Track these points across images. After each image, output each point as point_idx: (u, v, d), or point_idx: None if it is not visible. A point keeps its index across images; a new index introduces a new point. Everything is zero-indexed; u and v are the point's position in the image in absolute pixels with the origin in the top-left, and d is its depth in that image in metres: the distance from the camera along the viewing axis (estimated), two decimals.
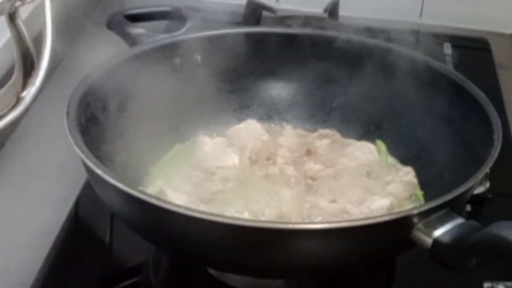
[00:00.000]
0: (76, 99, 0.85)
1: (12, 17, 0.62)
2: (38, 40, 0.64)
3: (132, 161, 0.90)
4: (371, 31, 1.24)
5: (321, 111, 1.00)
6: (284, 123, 1.00)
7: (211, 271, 0.84)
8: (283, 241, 0.72)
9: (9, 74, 0.65)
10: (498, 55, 1.30)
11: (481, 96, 0.88)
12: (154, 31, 1.02)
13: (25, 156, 1.02)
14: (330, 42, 0.99)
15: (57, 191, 0.96)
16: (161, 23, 1.14)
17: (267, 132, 0.97)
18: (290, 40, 1.00)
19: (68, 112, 0.83)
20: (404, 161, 0.94)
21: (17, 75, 0.64)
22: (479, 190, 0.94)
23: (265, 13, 1.27)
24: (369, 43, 1.00)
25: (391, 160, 0.95)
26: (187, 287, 0.86)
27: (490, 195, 0.96)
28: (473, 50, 1.32)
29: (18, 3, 0.62)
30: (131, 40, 1.01)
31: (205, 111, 0.99)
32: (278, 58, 1.00)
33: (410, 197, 0.89)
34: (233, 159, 0.93)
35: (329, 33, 1.03)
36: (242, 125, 0.98)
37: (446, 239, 0.70)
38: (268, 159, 0.93)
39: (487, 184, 0.96)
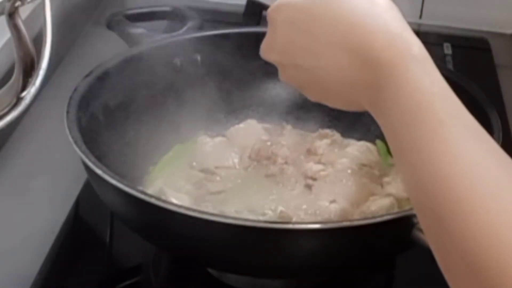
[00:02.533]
0: (76, 99, 0.85)
1: (12, 17, 0.62)
2: (38, 40, 0.64)
3: (132, 161, 0.90)
4: None
5: (321, 111, 1.00)
6: (284, 123, 1.00)
7: (211, 271, 0.84)
8: (283, 241, 0.72)
9: (9, 74, 0.65)
10: (498, 55, 1.30)
11: (481, 96, 0.88)
12: (154, 31, 1.02)
13: (25, 156, 1.02)
14: None
15: (57, 191, 0.96)
16: (161, 23, 1.14)
17: (267, 132, 0.97)
18: None
19: (68, 112, 0.83)
20: None
21: (17, 75, 0.64)
22: None
23: (265, 13, 1.27)
24: None
25: (391, 160, 0.95)
26: (187, 287, 0.86)
27: None
28: (473, 50, 1.32)
29: (18, 3, 0.62)
30: (131, 40, 1.01)
31: (205, 111, 0.99)
32: None
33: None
34: (233, 159, 0.93)
35: None
36: (242, 125, 0.98)
37: None
38: (268, 159, 0.93)
39: None
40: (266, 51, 0.68)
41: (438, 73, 0.59)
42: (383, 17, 0.60)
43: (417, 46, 0.60)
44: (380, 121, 0.61)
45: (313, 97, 0.67)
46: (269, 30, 0.66)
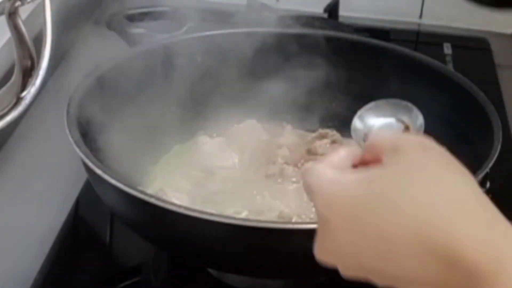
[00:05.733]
0: (76, 99, 0.85)
1: (12, 17, 0.62)
2: (38, 40, 0.64)
3: (132, 161, 0.90)
4: (371, 31, 1.24)
5: (321, 111, 1.00)
6: (284, 123, 1.00)
7: (211, 271, 0.84)
8: (283, 241, 0.72)
9: (9, 74, 0.65)
10: (498, 55, 1.30)
11: (481, 96, 0.88)
12: (154, 31, 1.02)
13: (25, 156, 1.02)
14: (330, 42, 0.99)
15: (57, 191, 0.96)
16: (161, 23, 1.14)
17: (267, 132, 0.97)
18: (290, 40, 1.00)
19: (68, 112, 0.83)
20: None
21: (17, 75, 0.64)
22: None
23: (265, 13, 1.27)
24: (369, 43, 1.00)
25: None
26: (187, 287, 0.86)
27: (490, 195, 0.96)
28: (473, 50, 1.32)
29: (18, 3, 0.62)
30: (131, 40, 1.01)
31: (205, 111, 0.99)
32: (278, 58, 1.00)
33: None
34: (233, 159, 0.93)
35: (329, 33, 1.03)
36: (242, 125, 0.98)
37: None
38: (268, 159, 0.93)
39: (487, 184, 0.96)
40: (323, 254, 0.54)
41: None
42: (465, 207, 0.49)
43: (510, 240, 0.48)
44: None
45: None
46: (322, 229, 0.53)
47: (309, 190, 0.54)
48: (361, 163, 0.55)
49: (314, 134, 0.98)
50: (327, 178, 0.53)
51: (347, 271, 0.53)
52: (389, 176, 0.51)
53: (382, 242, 0.50)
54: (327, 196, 0.52)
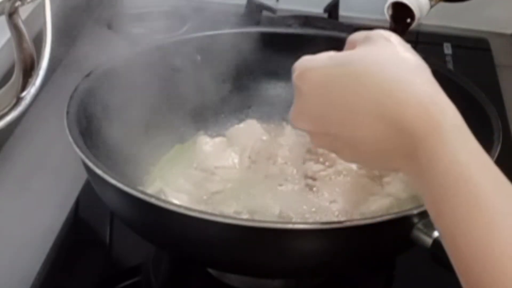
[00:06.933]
0: (76, 99, 0.85)
1: (12, 17, 0.62)
2: (38, 40, 0.64)
3: (132, 161, 0.90)
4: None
5: None
6: (284, 123, 1.00)
7: (211, 271, 0.84)
8: (283, 241, 0.72)
9: (9, 74, 0.65)
10: (498, 55, 1.30)
11: (481, 96, 0.88)
12: (154, 31, 1.03)
13: (25, 156, 1.02)
14: (330, 42, 0.99)
15: (57, 191, 0.96)
16: (161, 23, 1.14)
17: (267, 132, 0.97)
18: (290, 40, 1.00)
19: (68, 112, 0.83)
20: None
21: (17, 75, 0.64)
22: None
23: (265, 13, 1.27)
24: None
25: None
26: (187, 287, 0.86)
27: None
28: (473, 50, 1.32)
29: (18, 3, 0.62)
30: (131, 40, 1.01)
31: (205, 111, 0.99)
32: (278, 58, 1.00)
33: (410, 197, 0.89)
34: (233, 159, 0.93)
35: (329, 33, 1.03)
36: (242, 125, 0.98)
37: None
38: (268, 159, 0.93)
39: None
40: (296, 120, 0.64)
41: (473, 139, 0.57)
42: (414, 82, 0.58)
43: (450, 114, 0.58)
44: (417, 187, 0.58)
45: (347, 161, 0.65)
46: (296, 98, 0.63)
47: (293, 72, 0.63)
48: None
49: None
50: (305, 58, 0.63)
51: (317, 140, 0.64)
52: (358, 55, 0.61)
53: (346, 108, 0.60)
54: (302, 69, 0.62)
